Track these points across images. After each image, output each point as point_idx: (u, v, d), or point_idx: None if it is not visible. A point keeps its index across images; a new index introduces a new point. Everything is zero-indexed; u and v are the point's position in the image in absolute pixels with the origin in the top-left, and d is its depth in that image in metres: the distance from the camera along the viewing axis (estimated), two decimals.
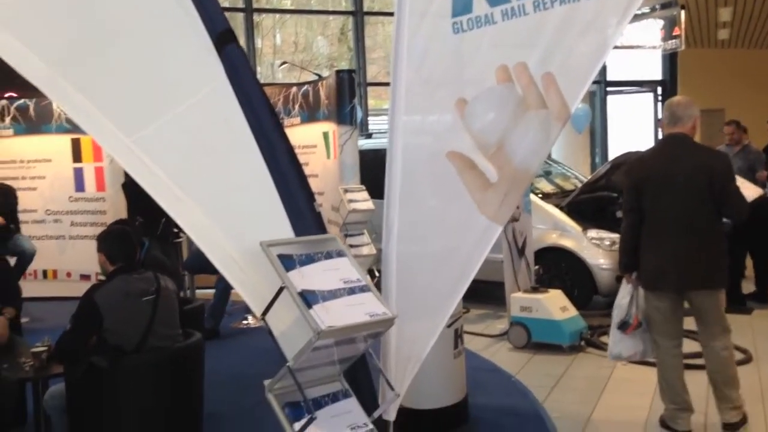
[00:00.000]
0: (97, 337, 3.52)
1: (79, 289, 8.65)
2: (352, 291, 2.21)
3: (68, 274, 8.80)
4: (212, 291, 6.97)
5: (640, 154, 4.64)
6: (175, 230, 7.36)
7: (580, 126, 10.73)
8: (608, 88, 14.50)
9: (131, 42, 2.61)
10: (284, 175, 2.56)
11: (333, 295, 2.17)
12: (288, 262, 2.22)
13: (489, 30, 2.53)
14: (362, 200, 6.24)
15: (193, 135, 2.58)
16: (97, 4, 2.62)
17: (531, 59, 2.41)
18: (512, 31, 2.48)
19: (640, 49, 12.99)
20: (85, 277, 8.70)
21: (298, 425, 2.16)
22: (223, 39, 2.57)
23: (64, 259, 8.78)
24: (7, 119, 8.77)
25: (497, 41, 2.53)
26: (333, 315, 2.10)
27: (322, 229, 2.58)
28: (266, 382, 2.25)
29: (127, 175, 7.77)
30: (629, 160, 7.66)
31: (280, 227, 2.49)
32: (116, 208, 8.36)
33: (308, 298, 2.13)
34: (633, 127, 14.69)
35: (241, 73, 2.58)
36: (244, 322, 7.26)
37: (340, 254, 2.33)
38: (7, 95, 8.95)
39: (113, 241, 3.74)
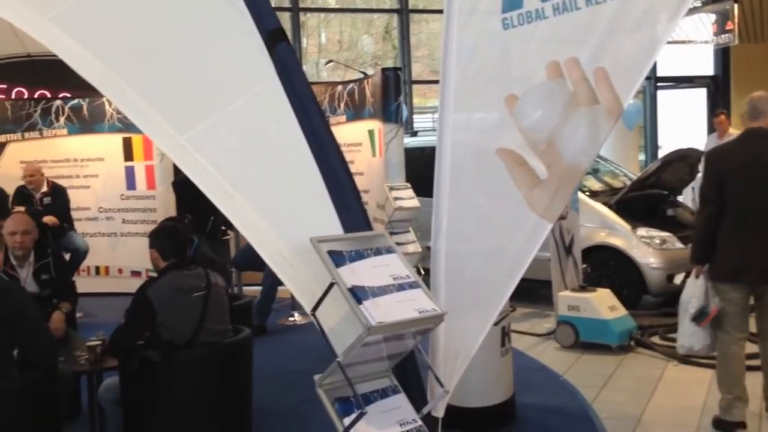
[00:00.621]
0: (150, 331, 3.59)
1: (130, 285, 8.87)
2: (401, 287, 2.22)
3: (120, 271, 9.00)
4: (259, 288, 7.05)
5: (722, 146, 4.67)
6: (223, 228, 7.48)
7: (631, 122, 10.54)
8: (658, 84, 14.23)
9: (184, 41, 2.65)
10: (333, 173, 2.57)
11: (383, 291, 2.18)
12: (338, 258, 2.24)
13: (540, 25, 2.51)
14: (407, 198, 6.25)
15: (244, 133, 2.61)
16: (152, 4, 2.67)
17: (583, 55, 2.39)
18: (563, 26, 2.46)
19: (692, 44, 12.72)
20: (135, 273, 8.89)
21: (347, 420, 2.17)
22: (274, 37, 2.60)
23: (116, 255, 8.98)
24: (62, 119, 9.00)
25: (548, 37, 2.51)
26: (383, 311, 2.10)
27: (370, 226, 2.59)
28: (316, 377, 2.27)
29: (177, 174, 7.92)
30: (691, 155, 7.57)
31: (330, 224, 2.51)
32: (166, 206, 8.50)
33: (358, 294, 2.14)
34: (685, 124, 14.39)
35: (292, 72, 2.60)
36: (290, 319, 7.33)
37: (389, 250, 2.34)
38: (61, 95, 9.19)
39: (165, 238, 3.81)
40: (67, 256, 7.13)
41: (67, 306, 4.60)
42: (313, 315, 2.30)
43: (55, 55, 7.19)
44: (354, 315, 2.14)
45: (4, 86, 9.37)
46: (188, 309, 3.63)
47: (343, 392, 2.23)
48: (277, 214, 2.51)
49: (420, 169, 7.15)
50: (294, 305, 7.37)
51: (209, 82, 2.63)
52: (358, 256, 2.28)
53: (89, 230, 8.73)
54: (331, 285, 2.21)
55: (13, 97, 9.38)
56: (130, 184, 8.89)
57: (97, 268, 8.91)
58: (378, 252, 2.31)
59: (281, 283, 7.05)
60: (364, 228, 2.51)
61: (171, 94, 2.62)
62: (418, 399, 2.45)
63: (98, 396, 3.85)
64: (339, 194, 2.55)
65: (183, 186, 7.37)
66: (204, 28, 2.67)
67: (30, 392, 3.32)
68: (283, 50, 2.60)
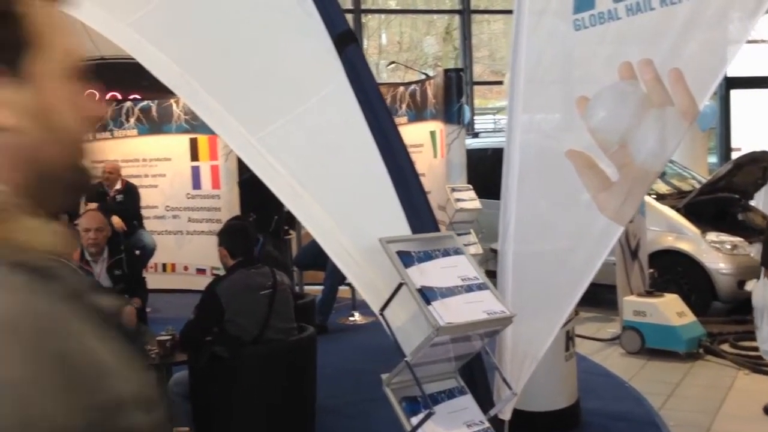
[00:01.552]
0: (218, 327, 3.68)
1: (196, 282, 9.08)
2: (470, 288, 2.22)
3: (185, 268, 9.21)
4: (320, 287, 7.13)
5: None
6: (286, 227, 7.59)
7: (706, 124, 10.25)
8: (732, 85, 13.80)
9: (257, 45, 2.71)
10: (401, 173, 2.59)
11: (451, 292, 2.18)
12: (407, 259, 2.25)
13: (612, 26, 2.48)
14: (469, 199, 6.23)
15: (314, 133, 2.65)
16: (224, 8, 2.74)
17: (657, 55, 2.34)
18: (637, 26, 2.42)
19: (766, 44, 12.31)
20: (200, 271, 9.09)
21: (415, 420, 2.18)
22: (343, 39, 2.63)
23: (182, 253, 9.19)
24: (132, 120, 9.27)
25: (621, 37, 2.47)
26: (451, 312, 2.11)
27: (437, 227, 2.60)
28: (383, 376, 2.28)
29: (243, 173, 8.08)
30: (764, 157, 7.34)
31: (397, 224, 2.53)
32: (230, 205, 8.67)
33: (427, 295, 2.15)
34: (759, 126, 13.92)
35: (361, 73, 2.63)
36: (351, 318, 7.38)
37: (457, 252, 2.34)
38: (131, 97, 9.47)
39: (234, 237, 3.89)
40: (137, 253, 7.35)
41: (138, 301, 4.74)
42: (381, 315, 2.32)
43: (127, 58, 7.35)
44: (422, 315, 2.15)
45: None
46: (255, 306, 3.70)
47: (410, 392, 2.24)
48: (346, 213, 2.54)
49: (481, 170, 7.12)
50: (354, 305, 7.43)
51: (280, 85, 2.68)
52: (427, 257, 2.29)
53: (157, 228, 8.96)
54: (400, 285, 2.23)
55: None
56: (196, 183, 9.10)
57: (164, 265, 9.13)
58: (446, 253, 2.32)
59: (342, 283, 7.14)
60: (431, 228, 2.52)
61: (243, 96, 2.68)
62: (485, 401, 2.45)
63: (168, 389, 3.95)
64: (406, 194, 2.57)
65: (248, 186, 7.51)
66: (275, 32, 2.72)
67: None
68: (352, 52, 2.63)
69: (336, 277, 6.79)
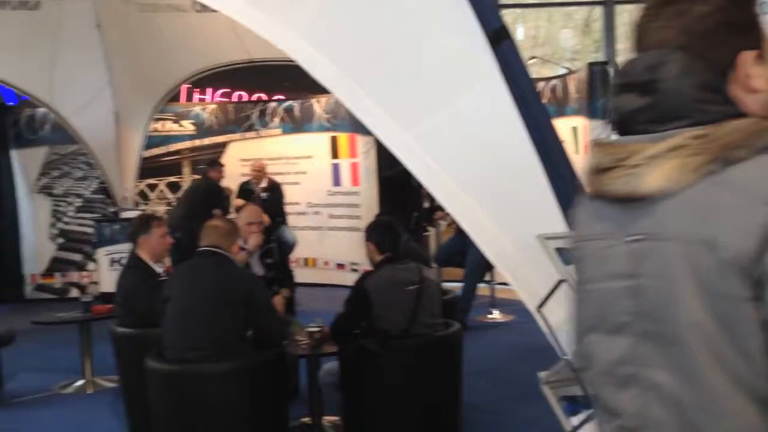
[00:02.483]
0: (367, 321, 3.77)
1: (335, 277, 9.36)
2: None
3: (326, 263, 9.50)
4: (459, 284, 7.14)
5: None
6: (424, 224, 7.66)
7: None
8: None
9: (409, 40, 2.75)
10: (557, 169, 2.56)
11: None
12: (566, 256, 2.22)
13: None
14: None
15: (468, 130, 2.66)
16: (379, 7, 2.80)
17: None
18: None
19: None
20: (340, 266, 9.34)
21: (575, 420, 2.15)
22: (497, 35, 2.62)
23: (322, 248, 9.48)
24: (276, 120, 9.66)
25: None
26: None
27: None
28: (541, 374, 2.27)
29: (383, 170, 8.24)
30: None
31: (554, 221, 2.49)
32: (369, 202, 8.86)
33: None
34: None
35: (516, 69, 2.62)
36: (489, 316, 7.35)
37: None
38: (276, 98, 9.87)
39: (382, 232, 3.97)
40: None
41: (287, 292, 4.94)
42: (539, 312, 2.30)
43: (273, 60, 7.69)
44: None
45: (228, 90, 10.24)
46: (402, 301, 3.77)
47: (569, 391, 2.21)
48: (501, 210, 2.54)
49: None
50: (493, 302, 7.39)
51: (434, 81, 2.71)
52: None
53: (298, 224, 9.29)
54: (559, 282, 2.20)
55: (234, 99, 10.23)
56: (336, 180, 9.36)
57: (305, 260, 9.46)
58: None
59: (482, 280, 7.11)
60: None
61: (398, 94, 2.73)
62: None
63: (318, 379, 4.10)
64: (563, 190, 2.53)
65: (388, 183, 7.64)
66: (429, 28, 2.76)
67: (263, 370, 3.62)
68: (507, 48, 2.62)
69: (476, 275, 6.79)
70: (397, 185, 7.43)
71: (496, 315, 7.32)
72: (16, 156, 9.38)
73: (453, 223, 7.89)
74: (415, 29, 2.79)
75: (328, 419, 4.37)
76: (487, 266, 6.98)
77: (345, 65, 2.75)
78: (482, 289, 7.26)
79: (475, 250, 6.56)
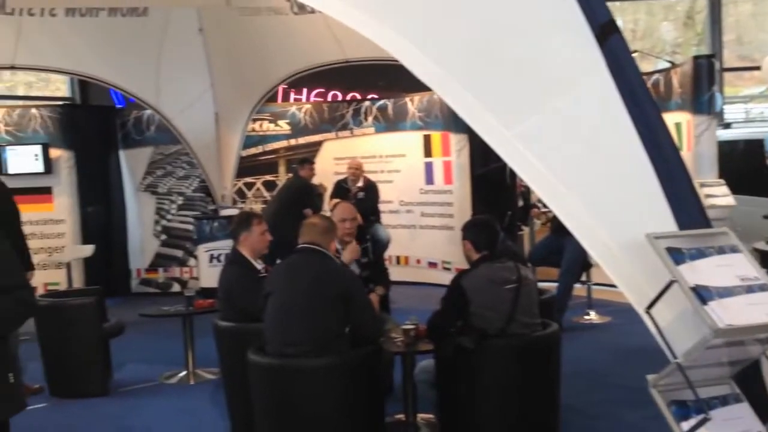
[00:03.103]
0: (463, 319, 3.76)
1: (427, 275, 9.37)
2: (750, 289, 2.07)
3: (418, 261, 9.52)
4: (554, 284, 7.01)
5: None
6: (518, 223, 7.57)
7: None
8: None
9: (513, 37, 2.72)
10: (667, 166, 2.47)
11: (729, 292, 2.05)
12: (677, 256, 2.15)
13: None
14: (721, 195, 5.81)
15: (572, 127, 2.61)
16: (483, 4, 2.78)
17: None
18: None
19: None
20: (432, 264, 9.34)
21: (686, 425, 2.08)
22: (605, 30, 2.56)
23: (415, 247, 9.51)
24: (370, 118, 9.75)
25: None
26: (731, 313, 1.98)
27: (708, 222, 2.45)
28: (650, 377, 2.20)
29: (477, 169, 8.18)
30: None
31: (663, 220, 2.41)
32: (462, 201, 8.82)
33: (702, 294, 2.04)
34: None
35: (624, 64, 2.55)
36: (586, 317, 7.19)
37: (734, 250, 2.19)
38: (369, 97, 9.96)
39: (479, 230, 3.95)
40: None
41: (382, 290, 4.97)
42: (647, 313, 2.23)
43: (368, 60, 7.75)
44: (695, 316, 2.04)
45: (323, 90, 10.42)
46: (499, 300, 3.73)
47: (679, 395, 2.14)
48: (607, 209, 2.48)
49: (734, 163, 6.60)
50: (590, 303, 7.23)
51: (538, 78, 2.67)
52: (700, 254, 2.17)
53: (391, 222, 9.34)
54: (670, 283, 2.13)
55: (329, 99, 10.39)
56: (429, 178, 9.36)
57: (398, 258, 9.51)
58: (721, 251, 2.18)
59: (578, 280, 6.97)
60: (701, 224, 2.38)
61: (500, 91, 2.71)
62: (762, 412, 2.27)
63: (414, 376, 4.12)
64: (673, 189, 2.45)
65: (482, 181, 7.59)
66: (534, 24, 2.72)
67: (360, 367, 3.66)
68: (615, 42, 2.56)
69: (572, 275, 6.66)
70: (490, 183, 7.37)
71: (592, 316, 7.16)
72: (123, 156, 9.83)
73: (547, 222, 7.76)
74: (519, 25, 2.76)
75: (422, 417, 4.38)
76: (584, 266, 6.83)
77: (447, 64, 2.74)
78: (578, 289, 7.11)
79: (571, 249, 6.49)
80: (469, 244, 3.93)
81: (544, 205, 7.36)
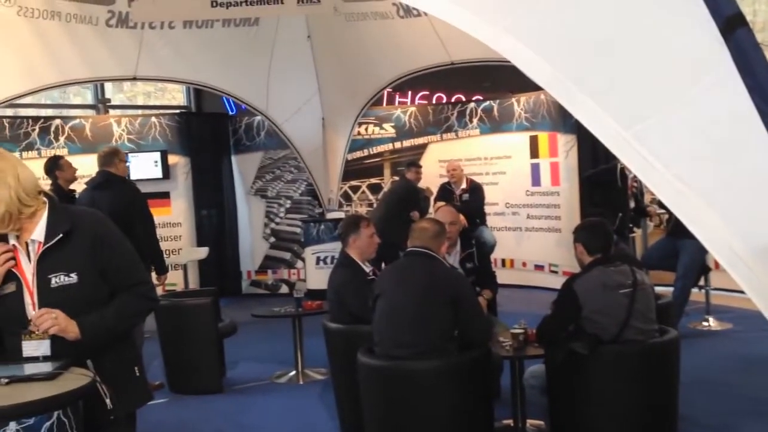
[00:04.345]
0: (575, 324, 3.67)
1: (534, 278, 9.22)
2: None
3: (524, 264, 9.38)
4: (669, 288, 6.74)
5: None
6: (630, 225, 7.32)
7: None
8: None
9: (632, 35, 2.63)
10: None
11: None
12: None
13: None
14: None
15: (695, 126, 2.50)
16: (601, 2, 2.71)
17: None
18: None
19: None
20: (539, 267, 9.18)
21: None
22: (731, 23, 2.43)
23: (521, 249, 9.37)
24: (475, 120, 9.69)
25: None
26: None
27: None
28: None
29: (586, 170, 7.98)
30: None
31: None
32: (570, 203, 8.62)
33: None
34: None
35: (752, 59, 2.42)
36: (704, 324, 6.87)
37: None
38: (474, 98, 9.90)
39: (592, 233, 3.84)
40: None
41: (489, 293, 4.93)
42: None
43: (474, 62, 7.68)
44: None
45: (427, 92, 10.44)
46: (614, 305, 3.62)
47: None
48: (734, 212, 2.35)
49: None
50: (708, 309, 6.91)
51: (658, 76, 2.57)
52: None
53: (497, 224, 9.25)
54: None
55: (434, 102, 10.40)
56: (535, 180, 9.20)
57: (503, 261, 9.40)
58: None
59: (695, 285, 6.67)
60: None
61: (617, 90, 2.62)
62: None
63: (524, 381, 4.06)
64: None
65: (592, 183, 7.39)
66: (654, 20, 2.62)
67: (469, 370, 3.64)
68: (742, 36, 2.43)
69: (689, 279, 6.39)
70: (600, 185, 7.17)
71: (711, 322, 6.83)
72: (235, 161, 10.18)
73: (661, 224, 7.47)
74: (636, 20, 2.66)
75: (531, 422, 4.31)
76: (702, 270, 6.54)
77: (560, 63, 2.68)
78: (695, 294, 6.80)
79: (689, 252, 6.23)
80: (581, 247, 3.83)
81: (660, 207, 7.11)
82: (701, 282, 6.75)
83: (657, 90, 2.61)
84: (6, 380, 2.01)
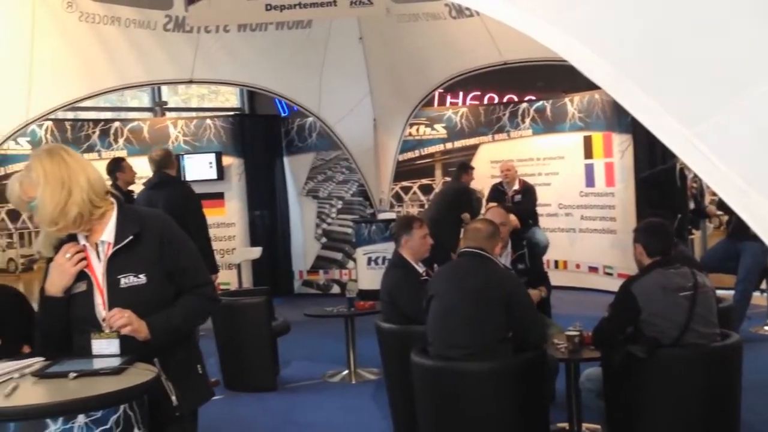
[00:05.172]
0: (633, 327, 3.61)
1: (587, 280, 9.10)
2: None
3: (577, 266, 9.26)
4: (729, 292, 6.58)
5: None
6: (689, 227, 7.16)
7: None
8: None
9: (695, 31, 2.57)
10: None
11: None
12: None
13: None
14: None
15: (759, 125, 2.43)
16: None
17: None
18: None
19: None
20: (593, 269, 9.05)
21: None
22: None
23: (574, 251, 9.25)
24: (527, 120, 9.61)
25: None
26: None
27: None
28: None
29: (642, 170, 7.84)
30: None
31: None
32: (625, 203, 8.48)
33: None
34: None
35: None
36: (766, 328, 6.68)
37: None
38: (527, 98, 9.81)
39: (652, 234, 3.77)
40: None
41: (544, 290, 4.87)
42: None
43: (527, 61, 7.59)
44: None
45: (478, 93, 10.39)
46: (674, 308, 3.55)
47: None
48: None
49: None
50: None
51: (722, 74, 2.51)
52: None
53: (549, 225, 9.14)
54: None
55: (485, 102, 10.35)
56: (589, 181, 9.08)
57: (556, 262, 9.29)
58: None
59: (757, 288, 6.50)
60: None
61: (679, 88, 2.56)
62: None
63: (580, 385, 4.01)
64: None
65: (649, 183, 7.26)
66: (715, 15, 2.56)
67: (524, 372, 3.61)
68: None
69: (751, 282, 6.22)
70: (657, 185, 7.03)
71: None
72: (287, 162, 10.30)
73: (721, 226, 7.29)
74: (699, 17, 2.61)
75: (587, 426, 4.26)
76: (764, 273, 6.37)
77: (620, 62, 2.64)
78: (756, 298, 6.62)
79: (750, 255, 6.07)
80: (640, 248, 3.76)
81: (720, 208, 6.94)
82: (763, 285, 6.57)
83: (720, 88, 2.55)
84: (74, 374, 2.07)
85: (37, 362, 2.23)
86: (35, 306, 2.61)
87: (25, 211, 2.33)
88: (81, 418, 1.89)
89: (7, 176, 8.28)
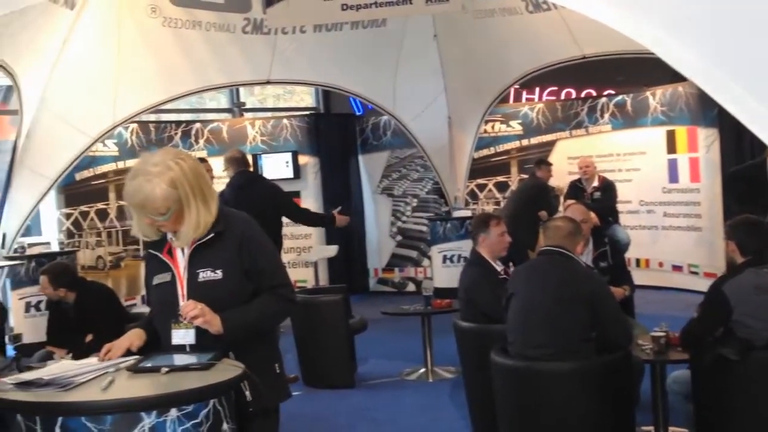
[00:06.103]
0: (724, 328, 3.47)
1: (671, 279, 8.82)
2: None
3: (660, 264, 8.98)
4: None
5: None
6: None
7: None
8: None
9: None
10: None
11: None
12: None
13: None
14: None
15: None
16: None
17: None
18: None
19: None
20: (677, 268, 8.77)
21: None
22: None
23: (657, 249, 8.98)
24: (606, 115, 9.38)
25: None
26: None
27: None
28: None
29: (726, 166, 7.55)
30: None
31: None
32: (711, 199, 8.18)
33: None
34: None
35: None
36: None
37: None
38: (606, 93, 9.58)
39: (749, 232, 3.62)
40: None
41: (627, 288, 4.75)
42: None
43: (606, 55, 7.40)
44: None
45: (555, 88, 10.21)
46: (767, 309, 3.40)
47: None
48: None
49: None
50: None
51: None
52: None
53: (630, 223, 8.91)
54: None
55: (562, 97, 10.16)
56: (673, 176, 8.80)
57: (638, 261, 9.03)
58: None
59: None
60: None
61: None
62: None
63: (667, 387, 3.88)
64: None
65: (736, 179, 6.97)
66: None
67: (608, 373, 3.52)
68: None
69: None
70: (747, 181, 6.74)
71: None
72: (362, 160, 10.36)
73: None
74: None
75: (673, 430, 4.12)
76: None
77: (712, 56, 2.54)
78: None
79: None
80: (734, 245, 3.61)
81: None
82: None
83: None
84: (167, 369, 2.13)
85: (131, 358, 2.31)
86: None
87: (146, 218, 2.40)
88: (173, 412, 1.94)
89: (96, 177, 8.62)
